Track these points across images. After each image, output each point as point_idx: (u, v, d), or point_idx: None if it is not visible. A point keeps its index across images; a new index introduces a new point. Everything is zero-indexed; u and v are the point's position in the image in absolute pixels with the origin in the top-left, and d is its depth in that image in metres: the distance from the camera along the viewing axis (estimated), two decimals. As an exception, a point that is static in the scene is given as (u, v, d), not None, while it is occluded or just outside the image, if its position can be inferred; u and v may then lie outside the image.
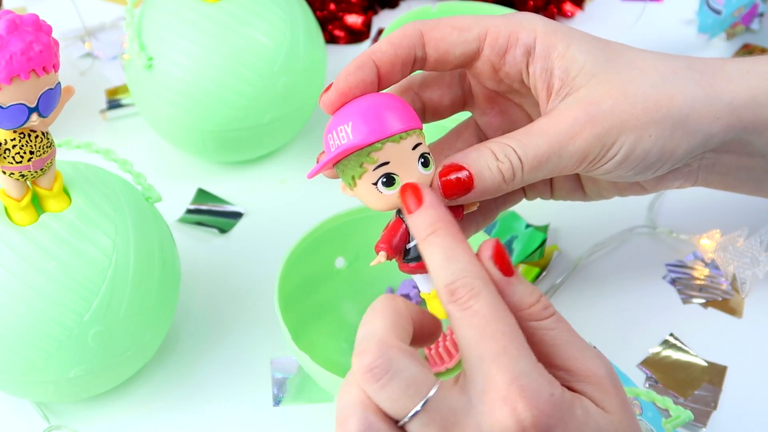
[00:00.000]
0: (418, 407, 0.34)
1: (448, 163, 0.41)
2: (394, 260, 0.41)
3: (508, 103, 0.48)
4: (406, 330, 0.36)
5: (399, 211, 0.40)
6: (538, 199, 0.53)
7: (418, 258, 0.39)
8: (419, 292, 0.57)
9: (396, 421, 0.34)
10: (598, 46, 0.44)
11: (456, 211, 0.42)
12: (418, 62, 0.44)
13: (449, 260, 0.35)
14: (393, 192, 0.39)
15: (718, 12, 0.77)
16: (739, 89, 0.45)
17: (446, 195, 0.40)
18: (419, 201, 0.37)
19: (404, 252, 0.40)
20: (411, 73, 0.44)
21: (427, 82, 0.48)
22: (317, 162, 0.42)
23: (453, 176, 0.40)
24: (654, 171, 0.45)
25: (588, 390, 0.36)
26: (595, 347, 0.38)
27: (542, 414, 0.33)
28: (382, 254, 0.40)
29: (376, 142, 0.38)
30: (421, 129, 0.40)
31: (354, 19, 0.82)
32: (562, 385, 0.35)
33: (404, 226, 0.40)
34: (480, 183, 0.41)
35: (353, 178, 0.39)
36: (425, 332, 0.37)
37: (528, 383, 0.33)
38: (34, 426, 0.53)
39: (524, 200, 0.53)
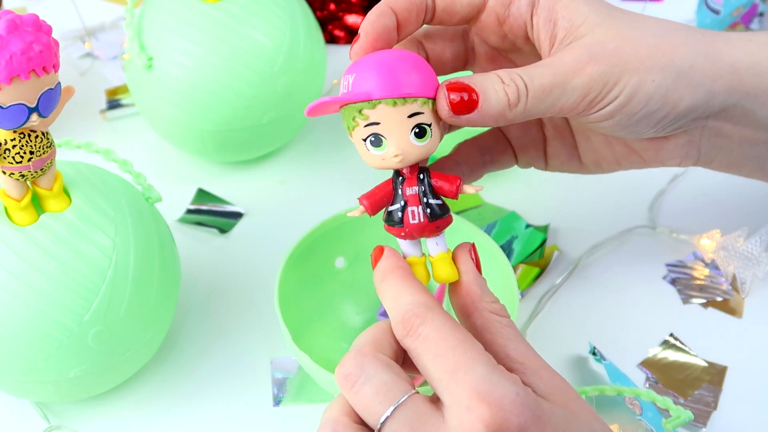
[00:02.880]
0: (388, 412, 0.35)
1: (453, 81, 0.41)
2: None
3: (509, 64, 0.49)
4: (386, 343, 0.38)
5: (395, 173, 0.41)
6: (538, 199, 0.53)
7: (398, 223, 0.40)
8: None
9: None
10: (601, 2, 0.45)
11: (448, 190, 0.41)
12: (428, 11, 0.45)
13: (397, 299, 0.38)
14: (379, 153, 0.39)
15: (716, 12, 0.78)
16: (741, 54, 0.46)
17: (453, 111, 0.41)
18: (380, 255, 0.40)
19: (387, 213, 0.41)
20: (423, 23, 0.45)
21: (430, 34, 0.48)
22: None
23: (458, 94, 0.41)
24: (655, 123, 0.45)
25: (538, 383, 0.37)
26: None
27: (512, 414, 0.33)
28: (360, 208, 0.41)
29: (366, 100, 0.38)
30: (430, 98, 0.40)
31: (354, 19, 0.82)
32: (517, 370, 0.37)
33: (391, 187, 0.40)
34: (485, 103, 0.41)
35: (348, 128, 0.40)
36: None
37: (489, 388, 0.34)
38: (34, 426, 0.53)
39: (523, 198, 0.53)
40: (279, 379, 0.55)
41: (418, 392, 0.36)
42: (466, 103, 0.41)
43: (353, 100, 0.38)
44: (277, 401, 0.54)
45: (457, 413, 0.34)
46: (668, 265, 0.61)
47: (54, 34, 0.43)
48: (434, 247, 0.41)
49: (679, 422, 0.49)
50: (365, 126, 0.39)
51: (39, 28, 0.42)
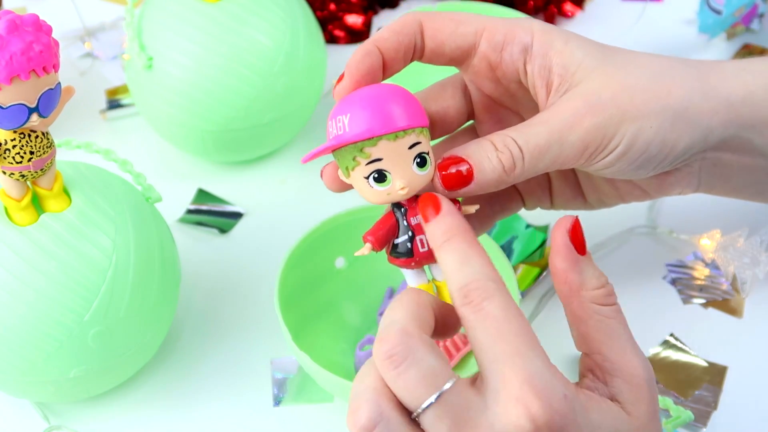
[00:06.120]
0: (432, 399, 0.34)
1: (447, 156, 0.41)
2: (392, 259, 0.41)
3: (505, 111, 0.48)
4: (428, 321, 0.36)
5: (393, 205, 0.40)
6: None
7: (406, 254, 0.40)
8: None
9: (410, 413, 0.35)
10: (595, 45, 0.45)
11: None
12: (417, 51, 0.44)
13: (463, 264, 0.36)
14: (384, 188, 0.39)
15: (718, 12, 0.77)
16: (736, 85, 0.46)
17: (446, 187, 0.40)
18: (437, 210, 0.38)
19: (392, 246, 0.40)
20: (411, 61, 0.44)
21: (430, 96, 0.48)
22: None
23: (453, 169, 0.40)
24: (655, 166, 0.45)
25: (623, 388, 0.36)
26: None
27: (556, 414, 0.33)
28: (367, 246, 0.40)
29: (369, 138, 0.38)
30: (424, 126, 0.39)
31: (354, 19, 0.82)
32: (598, 376, 0.36)
33: (394, 220, 0.40)
34: (480, 174, 0.41)
35: (347, 168, 0.39)
36: (447, 324, 0.38)
37: (541, 383, 0.34)
38: (34, 426, 0.53)
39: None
40: (279, 379, 0.55)
41: (460, 378, 0.35)
42: (462, 177, 0.41)
43: (355, 139, 0.38)
44: (277, 401, 0.54)
45: (505, 400, 0.33)
46: (668, 265, 0.61)
47: (54, 34, 0.43)
48: (440, 272, 0.40)
49: (679, 422, 0.49)
50: (367, 164, 0.38)
51: (39, 28, 0.42)
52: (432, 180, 0.40)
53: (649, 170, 0.46)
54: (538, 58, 0.44)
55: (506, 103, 0.48)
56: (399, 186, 0.38)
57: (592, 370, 0.37)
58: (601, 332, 0.37)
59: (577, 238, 0.38)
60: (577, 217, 0.38)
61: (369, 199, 0.39)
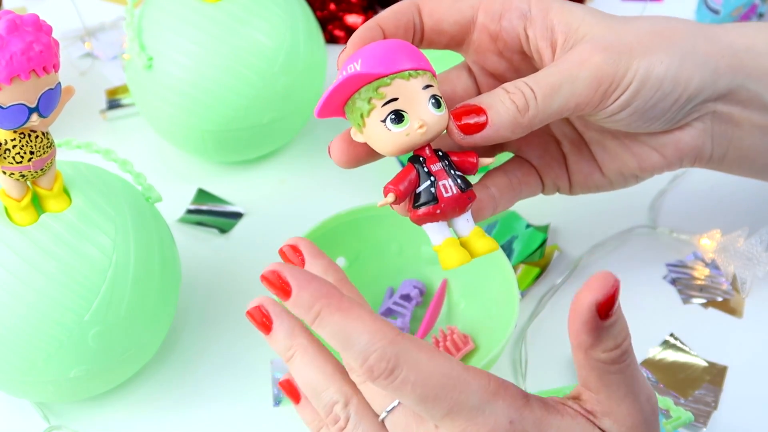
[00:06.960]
0: (394, 403, 0.36)
1: (459, 105, 0.42)
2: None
3: None
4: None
5: (411, 158, 0.40)
6: (539, 198, 0.53)
7: (428, 202, 0.39)
8: (420, 292, 0.57)
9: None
10: (592, 8, 0.46)
11: (468, 163, 0.41)
12: (417, 32, 0.45)
13: (349, 341, 0.35)
14: (402, 129, 0.39)
15: (716, 12, 0.78)
16: (737, 36, 0.47)
17: (463, 132, 0.41)
18: (286, 291, 0.36)
19: (415, 198, 0.40)
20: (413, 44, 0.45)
21: (438, 79, 0.48)
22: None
23: (467, 116, 0.41)
24: (669, 107, 0.46)
25: (612, 428, 0.36)
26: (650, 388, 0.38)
27: None
28: (391, 195, 0.39)
29: (383, 76, 0.38)
30: (433, 75, 0.40)
31: (354, 19, 0.82)
32: (588, 409, 0.36)
33: (415, 171, 0.40)
34: (495, 116, 0.41)
35: (362, 116, 0.39)
36: None
37: (483, 420, 0.34)
38: (34, 426, 0.53)
39: (525, 200, 0.53)
40: (279, 379, 0.55)
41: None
42: (476, 123, 0.41)
43: (369, 76, 0.38)
44: (277, 401, 0.54)
45: None
46: (668, 265, 0.61)
47: (54, 34, 0.43)
48: (465, 224, 0.40)
49: (679, 423, 0.49)
50: (383, 105, 0.38)
51: (39, 28, 0.42)
52: (447, 127, 0.40)
53: (663, 112, 0.46)
54: (538, 20, 0.45)
55: (511, 79, 0.48)
56: (417, 125, 0.38)
57: (582, 400, 0.37)
58: (602, 382, 0.36)
59: (609, 302, 0.34)
60: (615, 284, 0.34)
61: (386, 148, 0.39)
